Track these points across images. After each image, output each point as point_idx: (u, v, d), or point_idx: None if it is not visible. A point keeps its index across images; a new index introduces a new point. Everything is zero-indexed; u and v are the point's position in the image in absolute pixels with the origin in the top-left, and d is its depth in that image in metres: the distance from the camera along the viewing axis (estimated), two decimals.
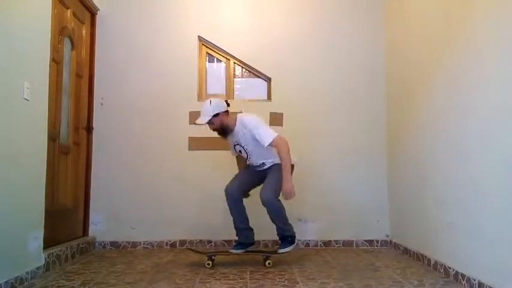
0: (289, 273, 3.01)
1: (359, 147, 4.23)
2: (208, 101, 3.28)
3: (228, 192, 3.31)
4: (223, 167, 4.13)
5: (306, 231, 4.09)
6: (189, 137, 4.19)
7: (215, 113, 3.21)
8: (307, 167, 3.94)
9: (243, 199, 3.36)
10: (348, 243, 4.12)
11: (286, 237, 3.29)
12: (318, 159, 4.17)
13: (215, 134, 4.12)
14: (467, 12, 2.72)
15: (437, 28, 3.14)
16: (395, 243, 3.99)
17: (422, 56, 3.40)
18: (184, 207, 4.10)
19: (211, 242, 4.09)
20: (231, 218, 3.33)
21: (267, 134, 3.15)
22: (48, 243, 3.10)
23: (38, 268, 2.89)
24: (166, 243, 4.08)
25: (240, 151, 3.38)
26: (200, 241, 4.09)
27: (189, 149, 4.20)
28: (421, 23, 3.47)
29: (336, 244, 4.12)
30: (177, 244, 4.08)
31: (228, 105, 3.33)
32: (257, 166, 3.37)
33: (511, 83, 2.26)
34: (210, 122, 3.24)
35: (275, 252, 3.30)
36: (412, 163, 3.60)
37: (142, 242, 4.07)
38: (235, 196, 3.30)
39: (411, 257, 3.55)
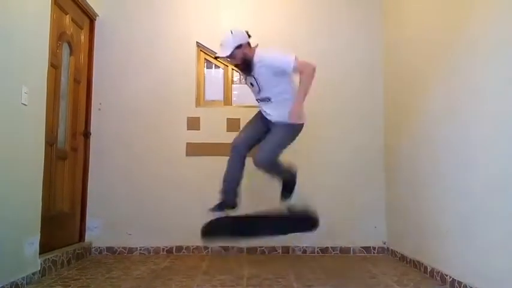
0: (286, 280, 3.00)
1: (356, 153, 4.24)
2: (228, 31, 2.95)
3: (234, 145, 3.10)
4: (220, 173, 4.12)
5: (303, 238, 4.08)
6: (187, 143, 4.19)
7: (237, 45, 2.91)
8: (304, 173, 3.94)
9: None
10: (345, 250, 4.12)
11: (287, 184, 3.15)
12: (315, 165, 4.17)
13: (213, 140, 4.17)
14: (465, 14, 2.74)
15: (435, 31, 3.16)
16: (392, 250, 3.99)
17: (421, 59, 3.41)
18: (181, 213, 4.09)
19: (207, 248, 4.08)
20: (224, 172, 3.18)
21: (289, 57, 2.89)
22: (44, 248, 3.09)
23: (33, 273, 2.88)
24: (163, 249, 4.07)
25: (251, 83, 3.11)
26: (197, 247, 4.07)
27: (187, 155, 4.20)
28: (418, 25, 3.49)
29: (333, 251, 4.12)
30: (174, 250, 4.07)
31: (250, 36, 3.04)
32: (265, 104, 3.10)
33: (509, 87, 2.28)
34: (231, 56, 2.94)
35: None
36: (410, 170, 3.61)
37: (138, 248, 4.05)
38: (241, 151, 3.07)
39: (408, 264, 3.55)
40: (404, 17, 3.82)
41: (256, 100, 3.21)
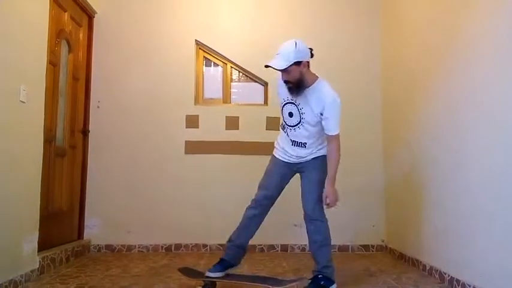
0: (285, 278, 2.99)
1: (355, 152, 4.23)
2: (292, 41, 2.51)
3: (257, 201, 2.74)
4: (219, 171, 4.15)
5: (301, 236, 4.05)
6: (186, 141, 4.19)
7: (298, 60, 2.47)
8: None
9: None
10: (343, 248, 4.12)
11: (320, 278, 2.63)
12: None
13: (211, 138, 4.17)
14: (463, 18, 2.74)
15: (433, 33, 3.16)
16: (390, 248, 3.99)
17: (419, 61, 3.42)
18: (179, 211, 4.09)
19: (206, 245, 4.08)
20: (237, 224, 2.82)
21: (337, 126, 2.59)
22: (42, 246, 3.08)
23: (32, 271, 2.88)
24: (162, 246, 4.07)
25: (290, 113, 2.66)
26: (195, 245, 4.07)
27: (185, 153, 4.19)
28: (417, 28, 3.50)
29: (332, 249, 4.10)
30: (173, 248, 4.07)
31: (312, 55, 2.62)
32: (294, 151, 2.71)
33: (507, 89, 2.28)
34: (287, 70, 2.48)
35: (280, 283, 2.57)
36: (408, 168, 3.61)
37: (137, 246, 4.05)
38: (263, 210, 2.75)
39: (406, 262, 3.55)
40: (402, 20, 3.82)
41: (286, 134, 2.75)
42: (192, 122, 4.22)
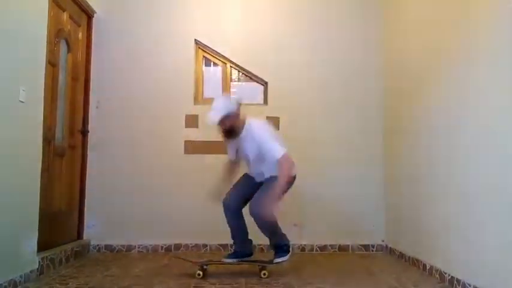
0: (285, 278, 3.00)
1: (355, 152, 4.24)
2: (226, 96, 3.05)
3: (226, 207, 3.15)
4: (218, 171, 4.12)
5: (301, 236, 4.08)
6: (185, 141, 4.19)
7: (230, 110, 2.97)
8: (303, 173, 3.94)
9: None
10: (343, 248, 4.12)
11: (282, 246, 3.14)
12: (314, 163, 4.16)
13: (211, 138, 4.15)
14: (465, 17, 2.74)
15: (435, 32, 3.16)
16: (390, 248, 3.99)
17: (420, 62, 3.41)
18: (179, 211, 4.09)
19: (206, 246, 4.07)
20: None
21: (276, 150, 2.92)
22: (42, 246, 3.07)
23: (31, 271, 2.87)
24: (162, 247, 4.06)
25: (238, 151, 3.20)
26: (195, 245, 4.07)
27: (185, 153, 4.19)
28: (418, 27, 3.49)
29: (332, 249, 4.12)
30: (172, 248, 4.06)
31: (241, 104, 3.10)
32: (256, 175, 3.19)
33: (507, 88, 2.28)
34: (222, 122, 2.98)
35: (270, 262, 3.10)
36: (408, 169, 3.61)
37: (137, 246, 4.05)
38: (234, 213, 3.14)
39: (407, 262, 3.55)
40: (404, 19, 3.82)
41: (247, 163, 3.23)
42: (191, 121, 4.21)
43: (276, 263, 3.08)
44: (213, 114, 2.97)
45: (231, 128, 3.01)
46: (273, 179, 3.00)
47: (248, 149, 3.07)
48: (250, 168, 3.22)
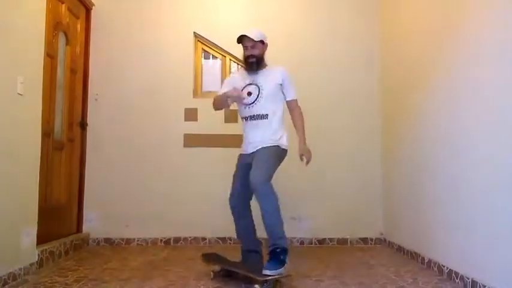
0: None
1: (354, 146, 4.24)
2: (256, 28, 3.04)
3: (232, 206, 2.93)
4: (218, 164, 4.13)
5: (300, 229, 4.09)
6: (184, 134, 4.18)
7: (262, 40, 2.95)
8: (302, 167, 3.94)
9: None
10: (342, 241, 4.13)
11: (278, 252, 2.62)
12: (313, 157, 4.14)
13: (210, 131, 4.16)
14: (464, 8, 2.72)
15: (433, 24, 3.14)
16: (389, 241, 4.00)
17: (418, 52, 3.40)
18: (178, 204, 4.09)
19: (205, 239, 4.08)
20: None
21: (295, 91, 2.98)
22: (41, 239, 3.08)
23: (31, 264, 2.88)
24: (161, 240, 4.07)
25: (248, 93, 2.92)
26: (194, 238, 4.08)
27: (184, 146, 4.18)
28: (416, 19, 3.48)
29: (331, 242, 4.13)
30: (171, 241, 4.07)
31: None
32: (251, 138, 2.92)
33: (507, 81, 2.27)
34: (255, 45, 2.91)
35: (260, 274, 2.52)
36: (407, 162, 3.61)
37: (136, 239, 4.05)
38: (241, 212, 2.92)
39: (405, 255, 3.56)
40: (402, 10, 3.80)
41: (245, 118, 2.97)
42: (190, 115, 4.20)
43: (266, 276, 2.49)
44: (252, 32, 2.92)
45: (261, 56, 2.96)
46: (270, 148, 2.85)
47: (264, 84, 2.90)
48: (255, 106, 2.90)
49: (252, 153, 2.89)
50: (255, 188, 2.68)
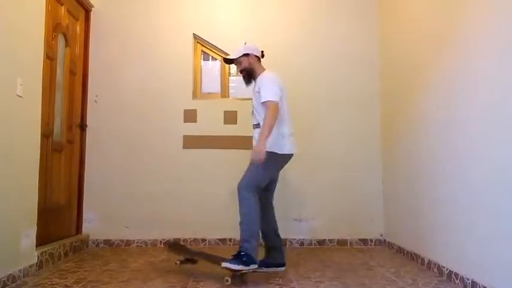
0: (283, 272, 3.00)
1: (354, 147, 4.24)
2: (242, 43, 3.16)
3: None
4: (217, 165, 4.14)
5: (300, 231, 4.09)
6: (184, 135, 4.18)
7: (246, 53, 3.08)
8: (302, 167, 3.95)
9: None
10: (342, 242, 4.13)
11: (241, 254, 2.73)
12: (313, 158, 4.16)
13: (210, 133, 4.16)
14: (463, 8, 2.73)
15: (432, 24, 3.15)
16: (389, 242, 4.00)
17: (418, 51, 3.40)
18: (178, 206, 4.09)
19: (205, 240, 4.08)
20: (236, 218, 2.90)
21: (268, 93, 2.88)
22: (41, 241, 3.08)
23: (30, 266, 2.87)
24: (160, 241, 4.06)
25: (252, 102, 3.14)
26: (194, 239, 4.07)
27: (183, 147, 4.18)
28: (415, 19, 3.48)
29: (330, 243, 4.13)
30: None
31: (263, 56, 3.19)
32: (254, 130, 3.04)
33: (507, 81, 2.27)
34: (238, 60, 3.11)
35: (219, 262, 2.76)
36: (407, 162, 3.61)
37: (136, 241, 4.05)
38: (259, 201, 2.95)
39: (405, 256, 3.56)
40: (401, 10, 3.80)
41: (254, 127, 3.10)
42: (190, 116, 4.20)
43: (223, 267, 2.70)
44: (232, 54, 3.15)
45: (249, 68, 3.09)
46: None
47: (252, 95, 3.07)
48: (253, 117, 3.09)
49: None
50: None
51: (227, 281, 2.68)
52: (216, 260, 2.87)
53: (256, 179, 2.88)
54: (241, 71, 3.15)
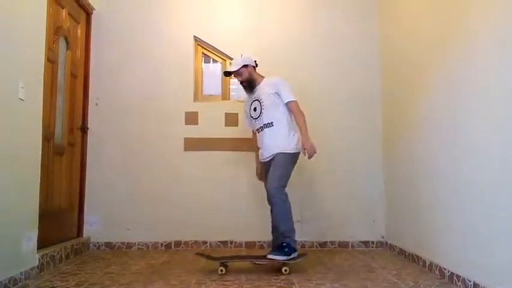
0: (284, 274, 3.00)
1: (355, 148, 4.24)
2: (239, 54, 3.40)
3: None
4: (219, 168, 4.14)
5: (301, 232, 4.06)
6: (185, 138, 4.18)
7: (244, 64, 3.31)
8: (303, 169, 3.95)
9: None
10: (343, 244, 4.12)
11: (284, 246, 3.05)
12: (314, 160, 4.15)
13: (211, 135, 4.16)
14: (464, 8, 2.72)
15: (433, 24, 3.14)
16: (390, 244, 3.99)
17: (418, 51, 3.39)
18: (179, 208, 4.09)
19: (206, 242, 4.08)
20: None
21: (290, 94, 3.25)
22: (42, 243, 3.08)
23: (31, 269, 2.87)
24: (161, 244, 4.07)
25: (255, 108, 3.34)
26: (195, 242, 4.07)
27: (185, 150, 4.19)
28: (416, 19, 3.47)
29: (332, 245, 4.12)
30: (172, 245, 4.06)
31: (257, 65, 3.43)
32: (264, 148, 3.28)
33: (508, 81, 2.27)
34: (238, 72, 3.32)
35: (264, 257, 3.08)
36: (409, 164, 3.61)
37: (137, 243, 4.05)
38: (269, 204, 3.21)
39: (406, 258, 3.55)
40: (401, 10, 3.81)
41: (257, 131, 3.36)
42: (191, 118, 4.21)
43: (269, 259, 3.03)
44: (231, 66, 3.38)
45: (249, 78, 3.33)
46: (280, 155, 3.18)
47: (263, 96, 3.28)
48: (261, 119, 3.29)
49: (269, 160, 3.26)
50: (268, 193, 3.12)
51: (285, 270, 2.99)
52: (251, 259, 3.27)
53: (285, 178, 3.16)
54: (242, 82, 3.36)
